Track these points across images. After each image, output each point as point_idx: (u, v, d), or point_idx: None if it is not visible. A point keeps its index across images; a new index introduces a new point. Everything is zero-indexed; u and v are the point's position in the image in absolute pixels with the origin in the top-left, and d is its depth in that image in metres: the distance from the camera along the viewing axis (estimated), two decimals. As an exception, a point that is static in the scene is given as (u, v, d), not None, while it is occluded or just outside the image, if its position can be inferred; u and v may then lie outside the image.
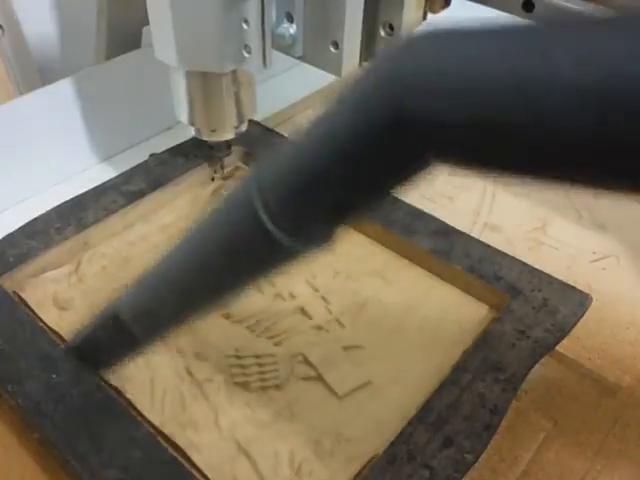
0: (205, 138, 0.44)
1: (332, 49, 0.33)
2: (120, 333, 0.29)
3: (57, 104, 0.49)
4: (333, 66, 0.34)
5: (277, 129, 0.53)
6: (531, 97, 0.14)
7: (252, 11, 0.33)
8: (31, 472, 0.32)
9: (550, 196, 0.51)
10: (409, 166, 0.17)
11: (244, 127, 0.45)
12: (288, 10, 0.33)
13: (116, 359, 0.33)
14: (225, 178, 0.48)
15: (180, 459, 0.30)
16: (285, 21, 0.34)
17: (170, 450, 0.31)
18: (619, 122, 0.14)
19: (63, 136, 0.50)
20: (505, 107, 0.15)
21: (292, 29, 0.34)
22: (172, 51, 0.37)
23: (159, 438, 0.31)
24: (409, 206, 0.44)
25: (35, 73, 0.61)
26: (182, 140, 0.49)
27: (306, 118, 0.64)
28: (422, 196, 0.50)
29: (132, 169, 0.47)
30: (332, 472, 0.31)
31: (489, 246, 0.41)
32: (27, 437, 0.33)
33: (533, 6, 0.33)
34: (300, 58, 0.35)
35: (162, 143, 0.50)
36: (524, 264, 0.40)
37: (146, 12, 0.37)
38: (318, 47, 0.34)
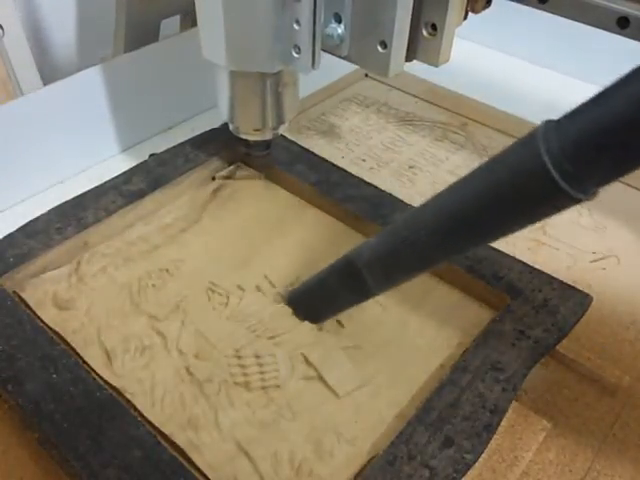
0: (243, 136, 0.44)
1: (380, 49, 0.33)
2: (351, 280, 0.30)
3: (57, 104, 0.49)
4: (380, 66, 0.34)
5: (277, 129, 0.53)
6: None
7: (304, 11, 0.33)
8: (31, 472, 0.32)
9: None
10: None
11: (282, 129, 0.44)
12: (336, 10, 0.33)
13: (336, 309, 0.34)
14: (226, 178, 0.48)
15: (180, 459, 0.30)
16: (333, 21, 0.34)
17: (170, 450, 0.31)
18: None
19: (63, 136, 0.50)
20: None
21: (340, 29, 0.34)
22: (222, 51, 0.37)
23: (159, 438, 0.31)
24: (409, 206, 0.44)
25: (35, 73, 0.61)
26: (182, 140, 0.49)
27: (306, 118, 0.64)
28: (422, 196, 0.50)
29: (132, 169, 0.47)
30: (332, 472, 0.31)
31: (489, 246, 0.41)
32: (27, 437, 0.33)
33: None
34: (345, 58, 0.35)
35: (162, 143, 0.50)
36: (524, 264, 0.40)
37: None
38: (365, 47, 0.34)
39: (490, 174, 0.23)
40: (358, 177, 0.47)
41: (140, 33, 0.55)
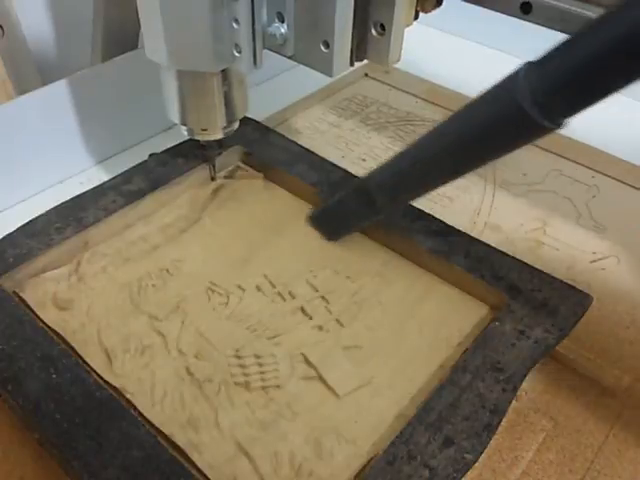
0: (197, 137, 0.44)
1: (323, 49, 0.33)
2: (363, 199, 0.37)
3: (57, 104, 0.49)
4: (324, 66, 0.34)
5: (277, 129, 0.53)
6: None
7: (242, 11, 0.32)
8: (31, 472, 0.32)
9: (550, 196, 0.51)
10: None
11: (235, 126, 0.44)
12: (279, 10, 0.33)
13: (351, 226, 0.41)
14: (226, 178, 0.48)
15: (180, 459, 0.30)
16: (276, 20, 0.34)
17: (170, 450, 0.31)
18: None
19: (63, 136, 0.50)
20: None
21: (283, 29, 0.34)
22: (162, 50, 0.37)
23: (159, 438, 0.31)
24: (409, 206, 0.44)
25: (35, 73, 0.61)
26: (182, 140, 0.49)
27: (306, 118, 0.64)
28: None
29: (132, 169, 0.47)
30: (332, 472, 0.31)
31: (489, 246, 0.41)
32: (27, 437, 0.33)
33: (531, 7, 0.34)
34: (291, 57, 0.35)
35: (162, 143, 0.50)
36: (524, 264, 0.40)
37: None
38: (309, 47, 0.34)
39: (475, 107, 0.29)
40: (358, 177, 0.47)
41: (118, 40, 0.55)
